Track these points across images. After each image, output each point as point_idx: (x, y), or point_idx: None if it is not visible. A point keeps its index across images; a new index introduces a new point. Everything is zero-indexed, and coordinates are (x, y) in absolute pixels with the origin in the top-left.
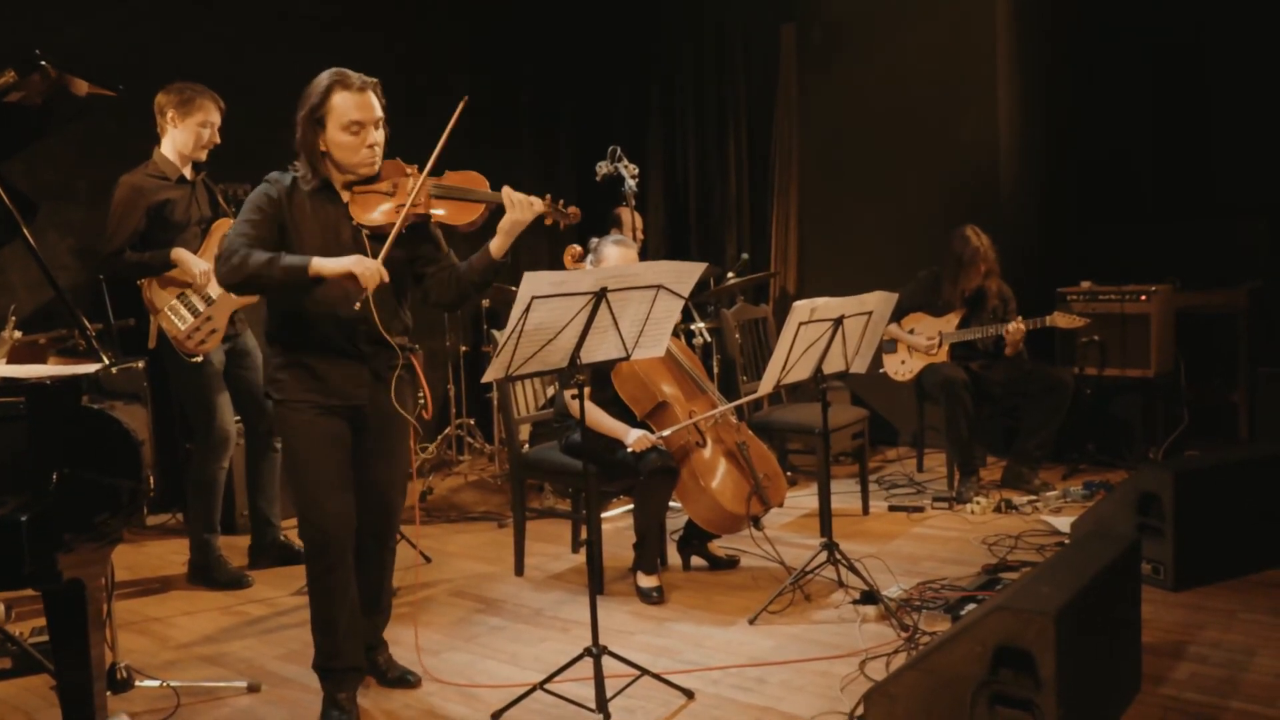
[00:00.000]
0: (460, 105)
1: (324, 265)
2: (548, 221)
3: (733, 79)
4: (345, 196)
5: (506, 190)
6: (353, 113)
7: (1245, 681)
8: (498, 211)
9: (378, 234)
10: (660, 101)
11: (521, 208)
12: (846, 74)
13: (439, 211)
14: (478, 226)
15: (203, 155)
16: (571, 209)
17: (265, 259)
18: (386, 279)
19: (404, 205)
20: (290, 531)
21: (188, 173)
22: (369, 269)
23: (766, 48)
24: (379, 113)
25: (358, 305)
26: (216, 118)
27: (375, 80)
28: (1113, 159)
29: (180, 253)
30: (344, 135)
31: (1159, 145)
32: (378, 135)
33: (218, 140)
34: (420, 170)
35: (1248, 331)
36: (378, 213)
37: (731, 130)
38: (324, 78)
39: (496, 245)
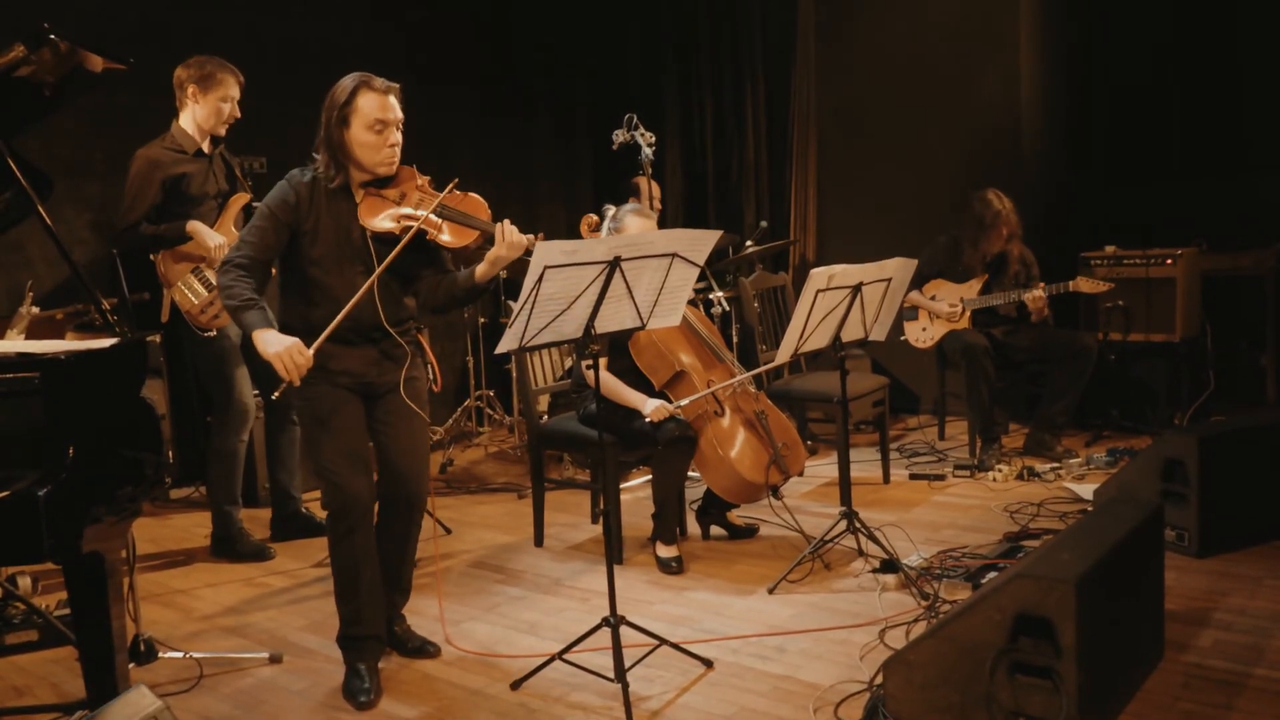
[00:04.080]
0: (450, 186)
1: (260, 341)
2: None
3: (749, 41)
4: (358, 196)
5: (500, 225)
6: (376, 112)
7: (1270, 648)
8: (491, 240)
9: (382, 238)
10: (676, 66)
11: (509, 246)
12: (865, 34)
13: (444, 236)
14: (470, 251)
15: (222, 130)
16: None
17: (237, 304)
18: (306, 371)
19: (408, 217)
20: (312, 504)
21: (205, 146)
22: (293, 365)
23: (784, 8)
24: (399, 115)
25: (275, 394)
26: (236, 92)
27: (397, 86)
28: (1138, 117)
29: (196, 225)
30: (368, 134)
31: (1186, 102)
32: (397, 136)
33: (238, 115)
34: (431, 186)
35: (1276, 293)
36: (383, 219)
37: (749, 95)
38: (349, 80)
39: (481, 271)
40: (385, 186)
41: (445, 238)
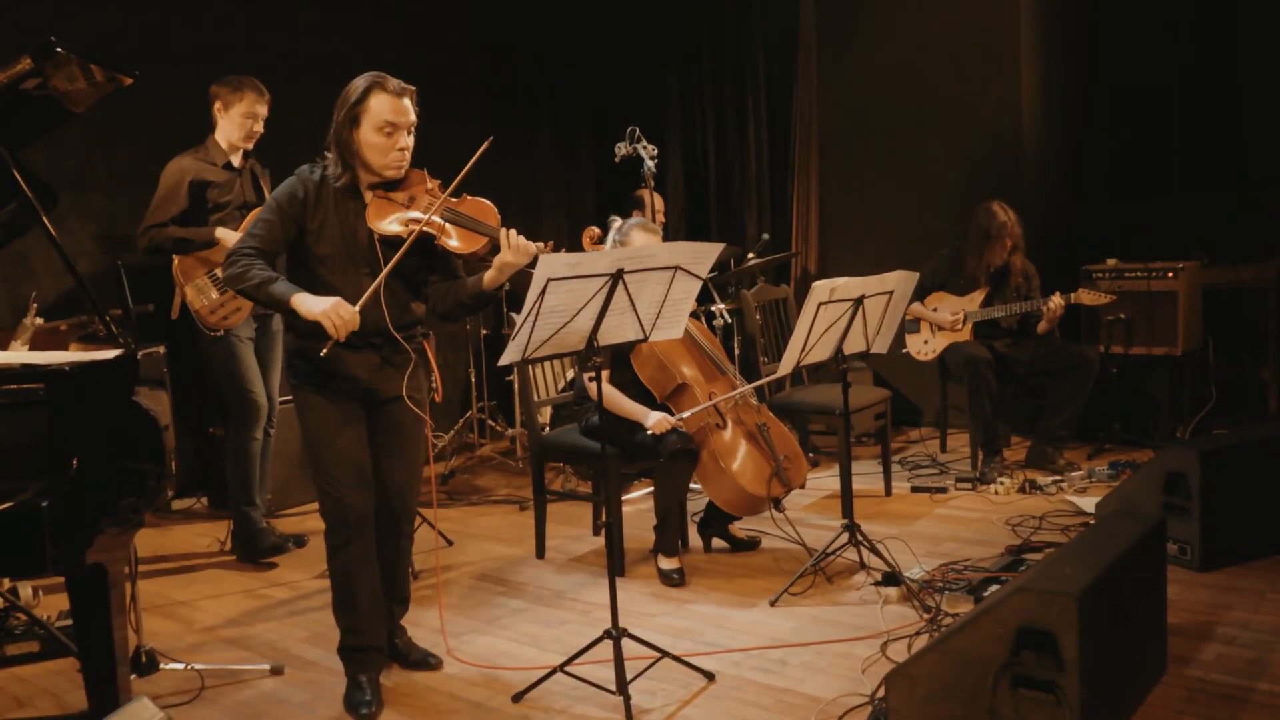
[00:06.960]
0: (484, 145)
1: (301, 304)
2: None
3: (752, 54)
4: (367, 198)
5: (505, 232)
6: (387, 114)
7: (1273, 663)
8: (499, 247)
9: (389, 241)
10: (679, 79)
11: (516, 252)
12: (867, 46)
13: (451, 241)
14: (479, 257)
15: (249, 145)
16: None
17: (259, 280)
18: (356, 327)
19: (414, 221)
20: (308, 516)
21: (235, 160)
22: (339, 320)
23: (785, 20)
24: (412, 118)
25: (323, 351)
26: (261, 110)
27: (412, 89)
28: (1140, 130)
29: (224, 232)
30: (377, 136)
31: (1187, 116)
32: (408, 140)
33: (260, 131)
34: (441, 189)
35: (1277, 306)
36: (390, 222)
37: (751, 108)
38: (363, 79)
39: (489, 278)
40: (394, 189)
41: (452, 242)
